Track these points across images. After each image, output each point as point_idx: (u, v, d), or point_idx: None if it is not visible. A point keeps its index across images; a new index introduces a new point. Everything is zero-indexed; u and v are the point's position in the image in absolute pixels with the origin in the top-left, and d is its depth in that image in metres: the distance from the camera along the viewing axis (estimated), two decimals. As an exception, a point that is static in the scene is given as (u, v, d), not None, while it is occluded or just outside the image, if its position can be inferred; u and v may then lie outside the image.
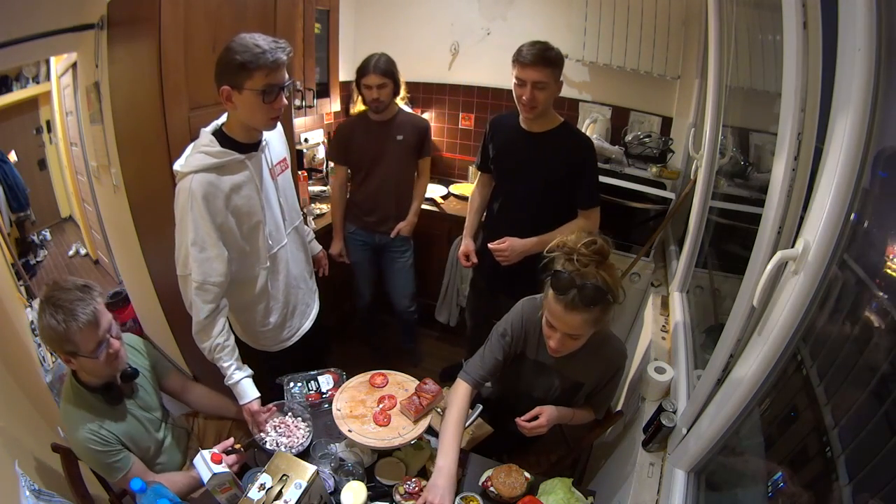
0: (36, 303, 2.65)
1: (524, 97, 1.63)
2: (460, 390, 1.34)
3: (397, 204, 2.30)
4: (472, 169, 2.98)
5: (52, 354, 2.36)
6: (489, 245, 1.80)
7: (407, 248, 2.42)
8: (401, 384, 1.44)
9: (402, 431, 1.28)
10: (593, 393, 1.42)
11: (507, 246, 1.76)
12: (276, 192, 1.47)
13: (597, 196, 1.79)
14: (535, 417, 1.34)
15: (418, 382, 1.38)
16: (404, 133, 2.20)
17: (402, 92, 2.26)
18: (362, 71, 2.06)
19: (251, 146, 1.34)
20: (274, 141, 1.46)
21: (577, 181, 1.74)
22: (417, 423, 1.30)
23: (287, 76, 1.26)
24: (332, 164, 2.48)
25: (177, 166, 1.25)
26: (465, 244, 2.07)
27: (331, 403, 1.47)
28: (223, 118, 1.34)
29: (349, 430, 1.27)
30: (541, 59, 1.56)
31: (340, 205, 2.32)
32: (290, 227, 1.56)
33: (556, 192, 1.77)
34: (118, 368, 1.24)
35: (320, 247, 1.95)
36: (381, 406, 1.34)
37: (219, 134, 1.30)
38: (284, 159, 1.53)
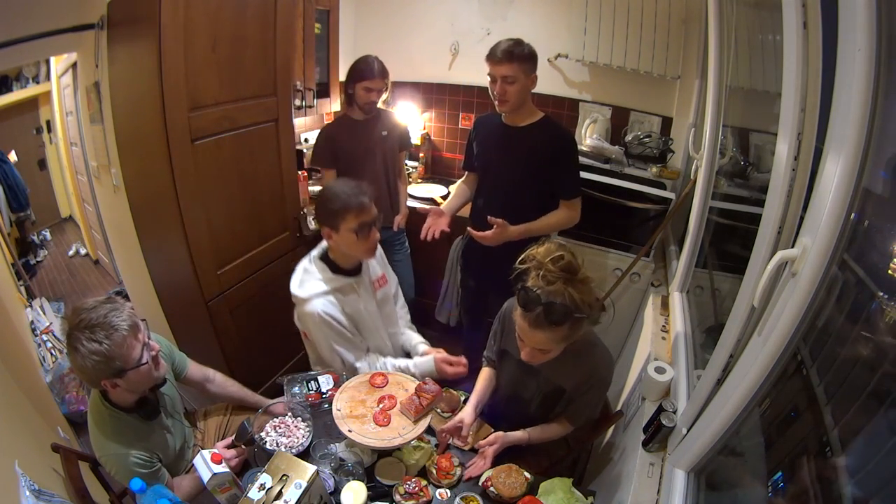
0: (36, 302, 2.65)
1: (496, 91, 1.72)
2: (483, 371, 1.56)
3: (391, 197, 2.36)
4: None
5: (52, 355, 2.36)
6: (488, 219, 1.76)
7: (404, 238, 2.50)
8: (400, 384, 1.44)
9: (402, 431, 1.28)
10: (572, 399, 1.39)
11: (502, 222, 1.73)
12: (376, 304, 1.66)
13: (578, 187, 1.84)
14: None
15: (418, 383, 1.39)
16: (388, 129, 2.29)
17: (387, 93, 2.34)
18: (365, 74, 2.08)
19: (355, 270, 1.57)
20: (373, 261, 1.67)
21: (558, 172, 1.79)
22: (417, 423, 1.31)
23: (375, 210, 1.50)
24: (319, 171, 2.49)
25: (295, 290, 1.50)
26: (438, 209, 1.93)
27: (331, 403, 1.47)
28: (324, 244, 1.57)
29: (349, 430, 1.27)
30: (507, 56, 1.65)
31: None
32: (384, 332, 1.70)
33: (538, 183, 1.81)
34: (162, 373, 1.21)
35: (430, 362, 1.61)
36: (381, 406, 1.35)
37: (326, 259, 1.54)
38: (383, 275, 1.73)
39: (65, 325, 1.08)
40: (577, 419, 1.42)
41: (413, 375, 1.53)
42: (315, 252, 1.58)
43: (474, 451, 1.44)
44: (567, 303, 1.09)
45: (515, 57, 1.65)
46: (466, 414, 1.39)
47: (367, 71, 2.08)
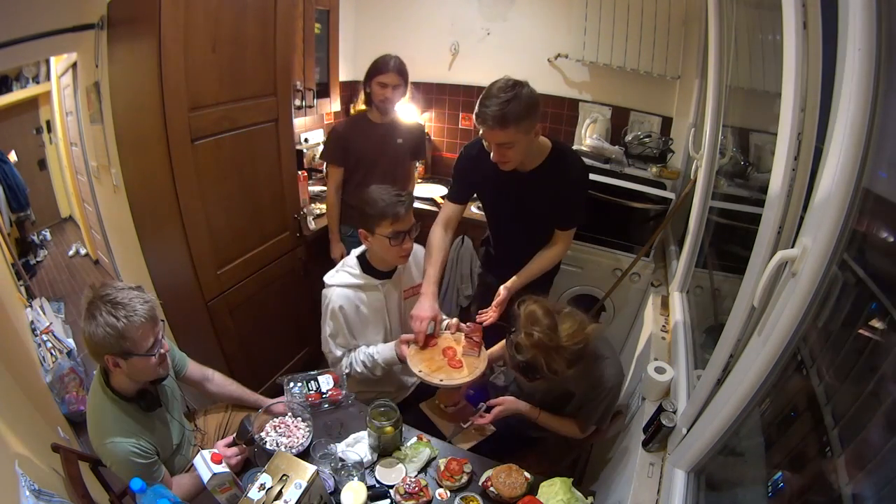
0: (36, 302, 2.65)
1: (493, 156, 1.48)
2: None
3: None
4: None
5: (52, 355, 2.36)
6: (478, 319, 1.66)
7: None
8: (448, 339, 1.61)
9: (477, 364, 1.51)
10: (581, 405, 1.42)
11: (503, 296, 1.64)
12: (400, 310, 1.72)
13: (581, 216, 1.68)
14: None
15: (465, 332, 1.59)
16: (404, 136, 2.26)
17: (407, 96, 2.27)
18: (379, 68, 2.07)
19: (386, 274, 1.63)
20: (412, 268, 1.72)
21: (569, 206, 1.65)
22: (480, 356, 1.53)
23: (413, 220, 1.55)
24: (326, 166, 2.44)
25: (326, 277, 1.61)
26: (428, 308, 1.55)
27: (331, 403, 1.50)
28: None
29: (440, 381, 1.44)
30: (500, 122, 1.35)
31: (337, 208, 2.31)
32: (392, 335, 1.72)
33: (553, 218, 1.70)
34: (167, 370, 1.24)
35: (390, 348, 1.63)
36: (447, 357, 1.53)
37: (362, 258, 1.62)
38: (420, 284, 1.68)
39: (88, 293, 1.10)
40: (587, 426, 1.44)
41: (375, 361, 1.59)
42: (357, 249, 1.67)
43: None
44: (537, 366, 1.23)
45: (511, 120, 1.35)
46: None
47: (381, 65, 2.07)
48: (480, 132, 1.45)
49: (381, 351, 1.60)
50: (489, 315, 1.61)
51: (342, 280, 1.59)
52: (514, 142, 1.41)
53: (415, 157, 2.42)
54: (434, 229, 1.72)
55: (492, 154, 1.47)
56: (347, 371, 1.61)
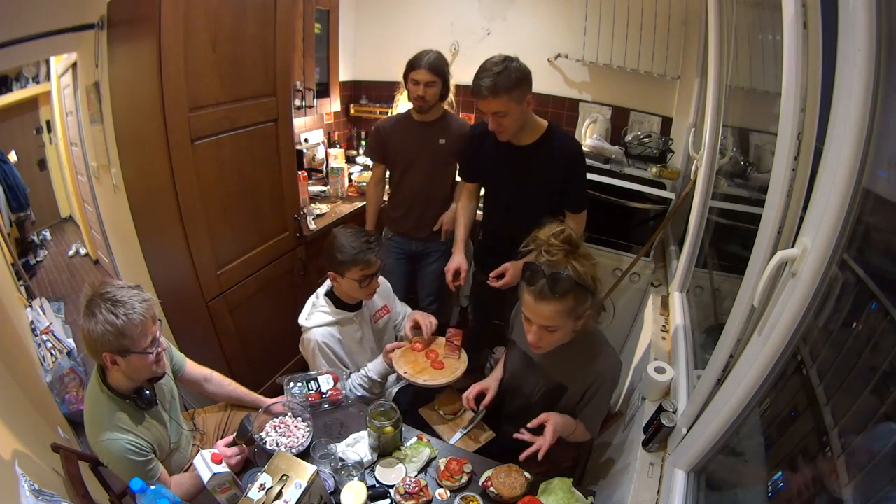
0: (36, 302, 2.65)
1: (490, 126, 1.64)
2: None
3: (433, 208, 2.24)
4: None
5: (52, 355, 2.36)
6: (489, 282, 1.77)
7: (440, 255, 2.34)
8: (433, 343, 1.73)
9: (458, 365, 1.63)
10: (581, 405, 1.40)
11: (508, 271, 1.74)
12: (374, 333, 1.80)
13: (586, 200, 1.77)
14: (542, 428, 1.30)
15: (445, 335, 1.69)
16: (448, 137, 2.10)
17: (451, 95, 2.12)
18: (412, 64, 1.98)
19: (356, 306, 1.71)
20: (375, 296, 1.77)
21: (568, 187, 1.73)
22: (460, 358, 1.65)
23: (379, 262, 1.61)
24: (370, 162, 2.49)
25: (302, 321, 1.64)
26: (458, 260, 1.88)
27: (331, 403, 1.50)
28: (329, 283, 1.69)
29: (425, 381, 1.54)
30: (492, 91, 1.52)
31: (375, 201, 2.32)
32: (375, 354, 1.79)
33: (551, 199, 1.76)
34: (164, 369, 1.25)
35: (378, 362, 1.76)
36: (430, 360, 1.64)
37: (331, 295, 1.68)
38: (384, 307, 1.84)
39: (87, 291, 1.11)
40: (594, 427, 1.43)
41: (371, 378, 1.64)
42: (322, 289, 1.72)
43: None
44: (570, 274, 1.14)
45: (502, 90, 1.52)
46: (492, 380, 1.57)
47: (415, 61, 1.96)
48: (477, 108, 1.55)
49: (372, 367, 1.66)
50: (497, 282, 1.74)
51: (319, 321, 1.62)
52: (508, 111, 1.56)
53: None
54: (460, 201, 2.02)
55: (489, 124, 1.63)
56: (351, 399, 1.61)
